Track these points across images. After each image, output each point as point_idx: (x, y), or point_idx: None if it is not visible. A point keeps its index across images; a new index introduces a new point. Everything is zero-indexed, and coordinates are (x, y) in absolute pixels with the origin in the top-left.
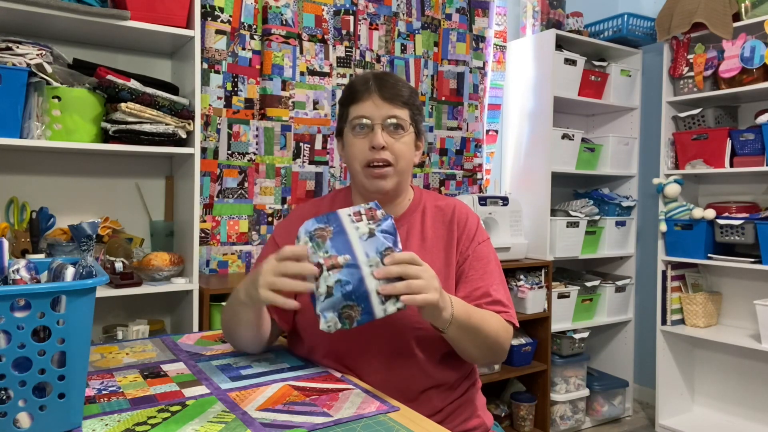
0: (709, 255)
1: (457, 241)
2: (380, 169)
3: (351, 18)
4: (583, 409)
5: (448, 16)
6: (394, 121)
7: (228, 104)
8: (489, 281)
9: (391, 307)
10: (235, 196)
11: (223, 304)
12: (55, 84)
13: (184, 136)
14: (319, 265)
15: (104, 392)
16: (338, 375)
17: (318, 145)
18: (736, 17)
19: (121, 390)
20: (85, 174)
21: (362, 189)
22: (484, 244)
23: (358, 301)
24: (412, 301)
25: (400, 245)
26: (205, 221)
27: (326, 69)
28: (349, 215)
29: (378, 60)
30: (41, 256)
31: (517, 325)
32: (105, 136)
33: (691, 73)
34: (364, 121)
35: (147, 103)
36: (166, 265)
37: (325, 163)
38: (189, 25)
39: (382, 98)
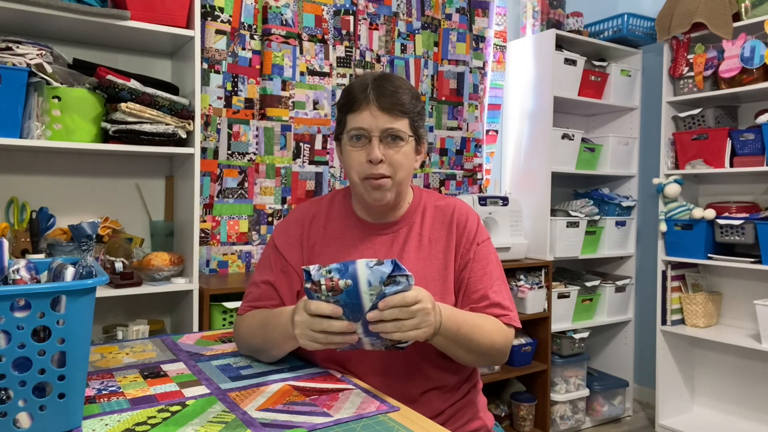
0: (709, 255)
1: (457, 243)
2: (378, 180)
3: (351, 18)
4: (583, 409)
5: (448, 16)
6: (392, 133)
7: (228, 104)
8: (488, 283)
9: (378, 344)
10: (235, 196)
11: (225, 304)
12: (55, 84)
13: (184, 136)
14: (319, 285)
15: (104, 392)
16: (338, 375)
17: (318, 145)
18: (736, 17)
19: (121, 390)
20: (85, 174)
21: (360, 198)
22: (484, 245)
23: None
24: (395, 339)
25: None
26: (205, 221)
27: (326, 69)
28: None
29: (378, 60)
30: (41, 256)
31: (519, 326)
32: (105, 136)
33: (691, 73)
34: (361, 132)
35: (147, 103)
36: (166, 265)
37: (325, 163)
38: (189, 25)
39: (380, 109)
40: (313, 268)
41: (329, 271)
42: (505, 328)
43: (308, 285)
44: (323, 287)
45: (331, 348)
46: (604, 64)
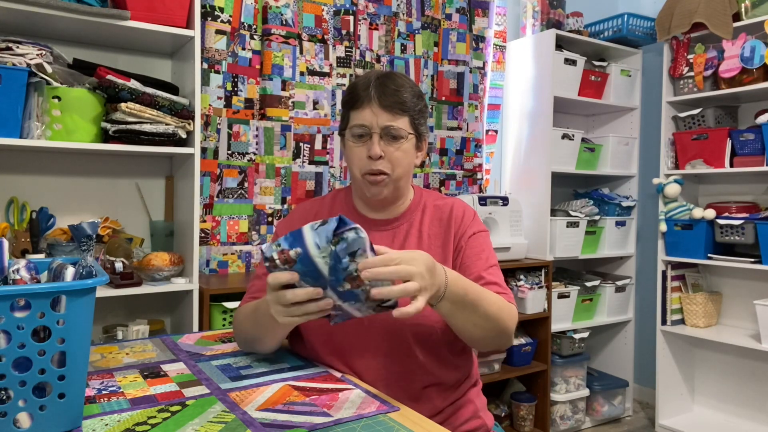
0: (709, 255)
1: (454, 235)
2: (376, 177)
3: (351, 18)
4: (583, 409)
5: (448, 16)
6: (392, 130)
7: (228, 104)
8: (482, 266)
9: (364, 309)
10: (235, 196)
11: (225, 304)
12: (55, 84)
13: (184, 136)
14: (273, 260)
15: (104, 392)
16: (338, 375)
17: (318, 145)
18: (736, 17)
19: (121, 390)
20: (85, 174)
21: (361, 193)
22: (478, 235)
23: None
24: (404, 314)
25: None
26: (205, 221)
27: (326, 69)
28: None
29: (378, 60)
30: (41, 256)
31: (515, 305)
32: (105, 136)
33: (691, 73)
34: (363, 129)
35: (147, 103)
36: (166, 265)
37: (325, 163)
38: (189, 25)
39: (381, 107)
40: (265, 246)
41: (278, 244)
42: (509, 304)
43: (266, 264)
44: (277, 261)
45: (312, 319)
46: (604, 64)
